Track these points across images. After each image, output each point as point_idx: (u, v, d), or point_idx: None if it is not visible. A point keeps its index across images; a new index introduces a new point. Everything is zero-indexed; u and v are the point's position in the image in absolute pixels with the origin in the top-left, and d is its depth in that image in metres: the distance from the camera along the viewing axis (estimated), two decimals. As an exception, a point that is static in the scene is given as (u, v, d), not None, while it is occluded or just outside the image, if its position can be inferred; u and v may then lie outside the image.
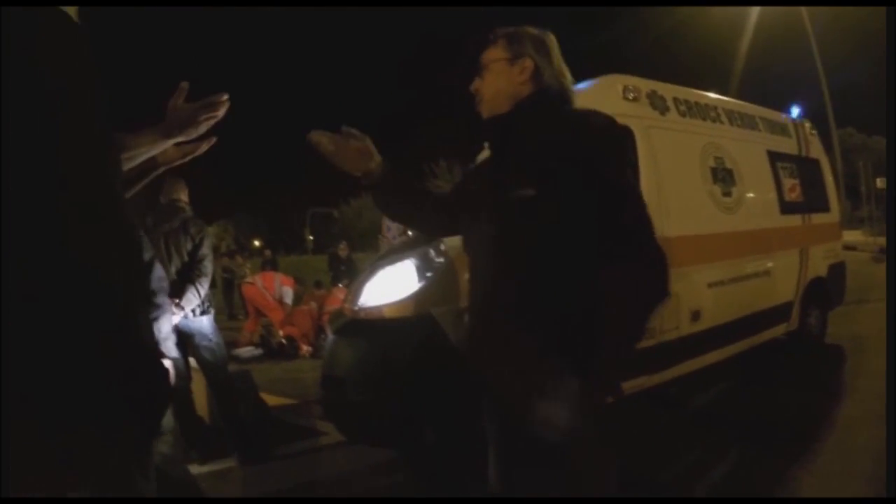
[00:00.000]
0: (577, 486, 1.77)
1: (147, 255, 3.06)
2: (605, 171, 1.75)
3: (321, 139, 1.96)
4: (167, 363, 3.06)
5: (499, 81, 1.93)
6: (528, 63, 1.91)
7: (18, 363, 0.72)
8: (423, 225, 2.34)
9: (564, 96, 1.95)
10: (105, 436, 0.88)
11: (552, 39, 1.98)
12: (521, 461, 1.91)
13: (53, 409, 0.75)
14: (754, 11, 27.45)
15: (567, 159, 1.73)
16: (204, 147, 1.98)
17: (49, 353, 0.76)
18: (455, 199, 2.11)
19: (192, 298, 4.38)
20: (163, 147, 1.85)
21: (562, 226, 1.72)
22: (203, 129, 1.79)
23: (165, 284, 3.22)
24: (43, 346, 0.75)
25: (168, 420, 3.03)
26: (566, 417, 1.71)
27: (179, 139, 1.81)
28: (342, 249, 13.35)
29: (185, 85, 1.74)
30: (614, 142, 1.83)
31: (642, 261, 1.75)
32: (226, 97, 1.75)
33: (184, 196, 4.65)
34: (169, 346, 3.12)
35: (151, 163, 2.12)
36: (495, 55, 1.94)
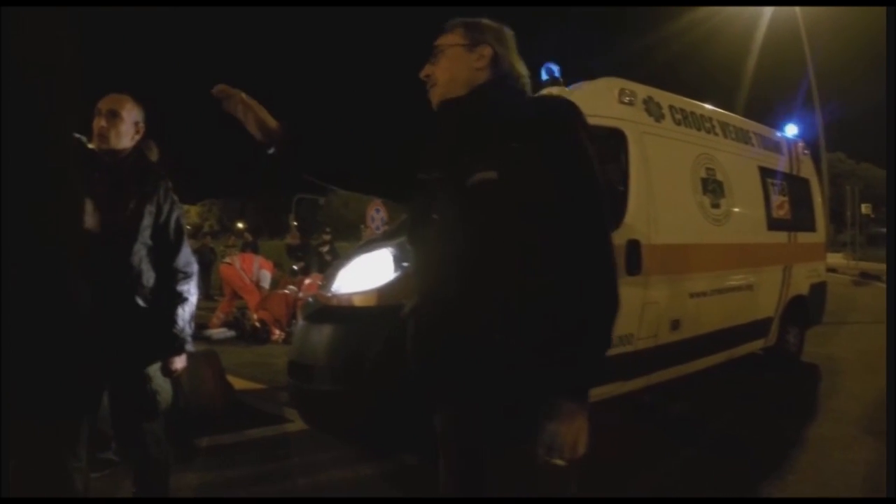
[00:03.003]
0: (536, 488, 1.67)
1: (171, 229, 2.87)
2: (564, 155, 1.66)
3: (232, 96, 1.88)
4: (181, 359, 2.88)
5: (455, 67, 1.86)
6: (487, 50, 1.86)
7: None
8: (347, 189, 2.23)
9: (521, 85, 1.91)
10: (26, 411, 0.77)
11: (510, 33, 1.94)
12: (479, 468, 1.81)
13: None
14: (759, 36, 28.21)
15: (526, 143, 1.64)
16: None
17: None
18: (393, 181, 2.01)
19: None
20: None
21: (524, 212, 1.61)
22: None
23: (193, 269, 3.03)
24: None
25: (166, 399, 2.93)
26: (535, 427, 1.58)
27: None
28: (292, 237, 13.18)
29: None
30: (575, 126, 1.72)
31: (590, 258, 1.60)
32: None
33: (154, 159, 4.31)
34: (187, 334, 2.95)
35: None
36: (453, 40, 1.88)
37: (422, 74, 1.92)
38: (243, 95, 1.87)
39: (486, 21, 1.91)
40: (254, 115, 1.86)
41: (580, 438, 1.54)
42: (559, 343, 1.55)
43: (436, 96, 1.90)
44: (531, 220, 1.61)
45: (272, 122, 1.89)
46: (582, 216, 1.62)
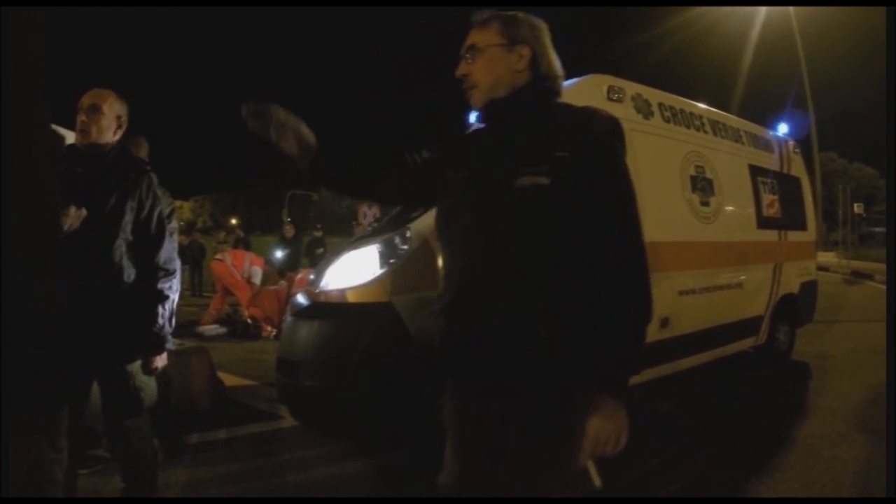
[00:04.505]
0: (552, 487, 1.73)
1: (153, 225, 2.83)
2: (609, 168, 1.73)
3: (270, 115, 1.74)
4: (161, 358, 2.87)
5: (497, 68, 1.81)
6: (526, 50, 1.81)
7: None
8: (376, 198, 2.21)
9: (557, 87, 1.88)
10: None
11: (545, 27, 1.88)
12: (499, 463, 1.82)
13: None
14: (753, 35, 28.47)
15: (577, 154, 1.68)
16: None
17: None
18: (422, 181, 1.97)
19: None
20: None
21: (572, 219, 1.67)
22: None
23: (175, 266, 2.97)
24: None
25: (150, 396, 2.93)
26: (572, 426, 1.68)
27: None
28: (287, 231, 13.20)
29: None
30: (618, 140, 1.79)
31: (630, 266, 1.70)
32: None
33: (144, 156, 4.17)
34: (167, 332, 2.93)
35: None
36: (491, 39, 1.82)
37: (458, 73, 1.87)
38: (281, 113, 1.76)
39: (521, 15, 1.86)
40: (294, 132, 1.77)
41: (623, 432, 1.64)
42: (602, 343, 1.63)
43: (478, 100, 1.85)
44: (575, 226, 1.67)
45: (311, 138, 1.81)
46: (624, 228, 1.71)
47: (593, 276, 1.66)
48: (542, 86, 1.84)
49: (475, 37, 1.84)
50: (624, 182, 1.74)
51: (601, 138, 1.74)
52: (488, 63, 1.81)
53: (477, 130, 1.95)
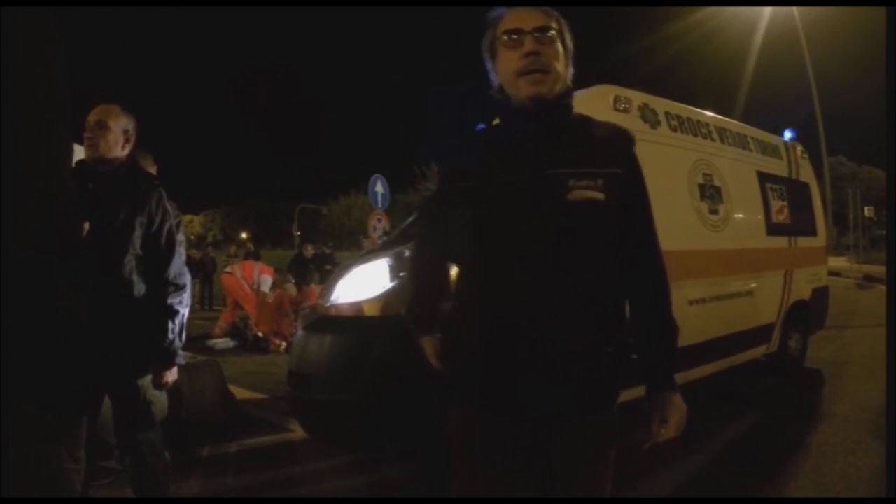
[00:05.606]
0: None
1: (163, 240, 2.84)
2: (642, 185, 1.80)
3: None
4: (171, 372, 2.87)
5: (561, 65, 1.71)
6: (568, 60, 1.76)
7: None
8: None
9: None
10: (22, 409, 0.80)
11: None
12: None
13: None
14: (758, 39, 28.40)
15: (623, 169, 1.71)
16: None
17: None
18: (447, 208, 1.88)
19: None
20: None
21: (614, 231, 1.71)
22: None
23: (184, 280, 2.96)
24: None
25: (161, 410, 2.95)
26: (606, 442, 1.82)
27: None
28: (308, 250, 13.29)
29: None
30: (636, 153, 1.82)
31: (659, 271, 1.79)
32: None
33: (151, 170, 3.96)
34: (177, 347, 2.93)
35: None
36: (558, 35, 1.72)
37: (529, 49, 1.67)
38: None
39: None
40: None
41: (685, 417, 1.77)
42: (654, 350, 1.77)
43: (545, 89, 1.67)
44: (616, 238, 1.72)
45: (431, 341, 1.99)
46: (653, 237, 1.81)
47: (631, 289, 1.77)
48: (569, 98, 1.77)
49: (547, 20, 1.71)
50: (648, 198, 1.82)
51: (634, 154, 1.78)
52: (558, 55, 1.70)
53: (498, 131, 1.85)
